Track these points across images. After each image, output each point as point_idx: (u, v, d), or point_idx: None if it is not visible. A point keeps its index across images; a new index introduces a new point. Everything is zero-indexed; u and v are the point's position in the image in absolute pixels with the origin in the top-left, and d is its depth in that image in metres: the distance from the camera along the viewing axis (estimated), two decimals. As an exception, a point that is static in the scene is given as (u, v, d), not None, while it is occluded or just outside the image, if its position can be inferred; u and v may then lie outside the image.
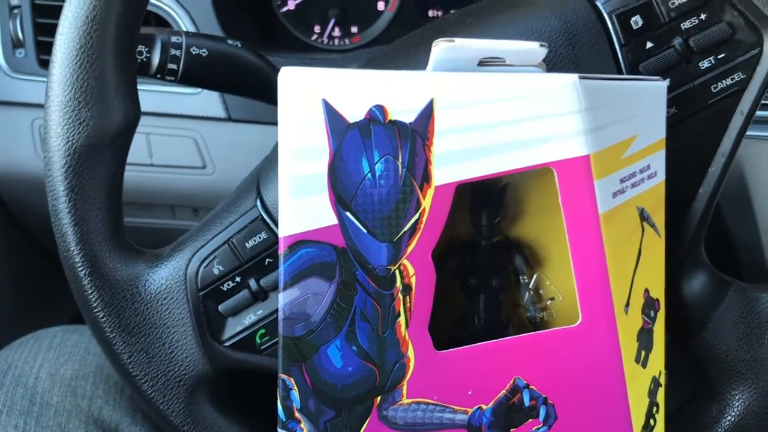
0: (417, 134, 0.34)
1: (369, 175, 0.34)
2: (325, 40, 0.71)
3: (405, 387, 0.35)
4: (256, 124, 0.66)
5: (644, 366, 0.37)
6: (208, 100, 0.66)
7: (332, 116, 0.34)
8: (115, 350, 0.43)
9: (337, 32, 0.71)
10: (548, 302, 0.40)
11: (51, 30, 0.41)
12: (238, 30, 0.66)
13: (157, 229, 0.74)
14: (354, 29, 0.71)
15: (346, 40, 0.71)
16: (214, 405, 0.45)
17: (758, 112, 0.57)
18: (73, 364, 0.55)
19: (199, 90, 0.66)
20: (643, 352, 0.37)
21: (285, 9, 0.71)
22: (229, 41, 0.54)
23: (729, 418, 0.44)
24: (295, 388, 0.35)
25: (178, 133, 0.67)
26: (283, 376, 0.35)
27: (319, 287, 0.35)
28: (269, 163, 0.45)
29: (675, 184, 0.40)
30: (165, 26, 0.66)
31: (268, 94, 0.56)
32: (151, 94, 0.66)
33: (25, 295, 0.83)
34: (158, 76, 0.52)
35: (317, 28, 0.71)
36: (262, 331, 0.43)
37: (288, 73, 0.34)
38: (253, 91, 0.56)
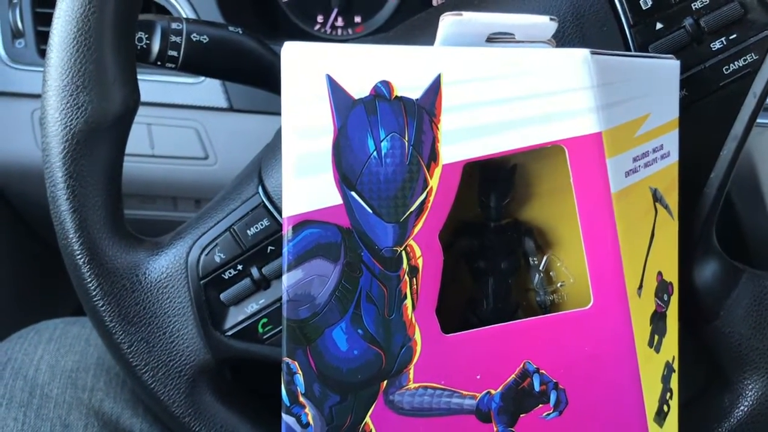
0: (424, 111, 0.33)
1: (374, 153, 0.33)
2: (328, 30, 0.70)
3: (412, 371, 0.34)
4: (258, 114, 0.65)
5: (657, 350, 0.36)
6: (209, 90, 0.65)
7: (337, 92, 0.33)
8: (115, 340, 0.43)
9: (340, 22, 0.70)
10: (559, 285, 0.39)
11: (51, 20, 0.40)
12: (239, 20, 0.65)
13: (159, 221, 0.73)
14: (357, 19, 0.70)
15: (350, 30, 0.70)
16: (215, 395, 0.44)
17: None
18: (73, 356, 0.54)
19: (201, 79, 0.65)
20: (656, 336, 0.36)
21: (287, -2, 0.70)
22: (231, 28, 0.53)
23: (742, 408, 0.43)
24: (300, 372, 0.34)
25: (179, 124, 0.67)
26: (287, 359, 0.34)
27: (324, 269, 0.34)
28: (271, 149, 0.44)
29: (686, 168, 0.40)
30: (166, 14, 0.65)
31: (270, 82, 0.55)
32: (152, 84, 0.65)
33: (27, 289, 0.82)
34: (158, 63, 0.51)
35: (320, 18, 0.70)
36: (265, 320, 0.42)
37: (291, 49, 0.33)
38: (254, 79, 0.55)
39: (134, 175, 0.67)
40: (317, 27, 0.70)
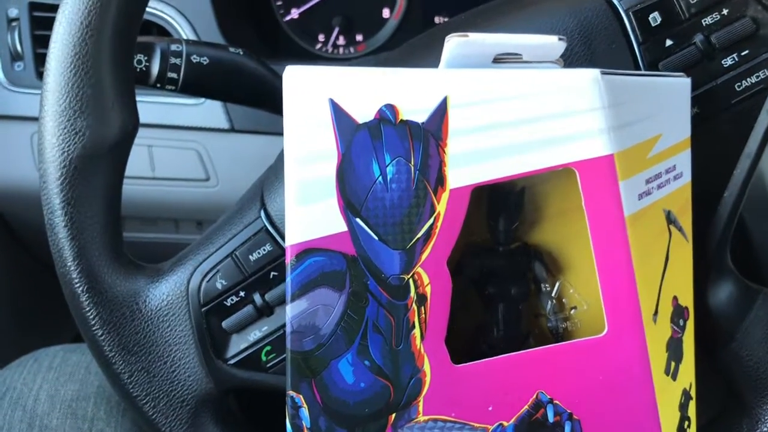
0: (430, 134, 0.32)
1: (380, 178, 0.32)
2: (330, 49, 0.70)
3: (421, 403, 0.33)
4: (260, 135, 0.65)
5: (674, 378, 0.35)
6: (210, 111, 0.65)
7: (340, 117, 0.32)
8: (115, 370, 0.42)
9: (341, 41, 0.70)
10: (571, 311, 0.38)
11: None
12: (240, 39, 0.64)
13: (160, 244, 0.72)
14: (359, 37, 0.69)
15: (351, 49, 0.70)
16: (218, 426, 0.43)
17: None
18: (73, 385, 0.53)
19: (202, 100, 0.65)
20: (672, 363, 0.35)
21: (288, 18, 0.70)
22: (231, 49, 0.53)
23: None
24: (305, 405, 0.33)
25: (180, 145, 0.66)
26: (291, 393, 0.33)
27: (329, 298, 0.33)
28: (273, 172, 0.43)
29: (698, 187, 0.39)
30: (165, 36, 0.64)
31: (272, 103, 0.55)
32: (153, 106, 0.64)
33: (27, 313, 0.81)
34: (158, 85, 0.51)
35: (321, 37, 0.70)
36: (268, 348, 0.41)
37: (293, 72, 0.32)
38: (256, 100, 0.55)
39: (135, 197, 0.67)
40: (319, 46, 0.70)
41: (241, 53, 0.53)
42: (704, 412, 0.42)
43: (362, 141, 0.32)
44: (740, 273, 0.43)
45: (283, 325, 0.40)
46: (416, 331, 0.33)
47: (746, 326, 0.41)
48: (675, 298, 0.35)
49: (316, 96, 0.32)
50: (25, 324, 0.81)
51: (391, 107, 0.32)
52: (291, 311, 0.33)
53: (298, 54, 0.70)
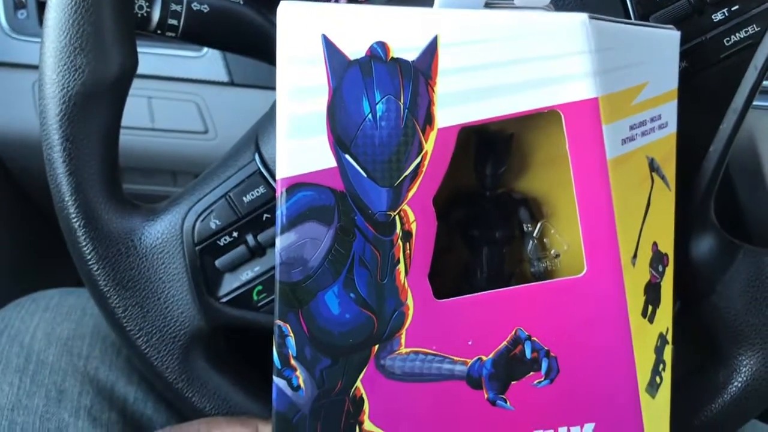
0: (420, 73, 0.32)
1: (369, 115, 0.33)
2: (332, 1, 0.70)
3: (403, 336, 0.34)
4: (259, 89, 0.65)
5: (651, 321, 0.36)
6: (210, 64, 0.65)
7: (332, 53, 0.32)
8: (110, 304, 0.43)
9: (343, -5, 0.70)
10: (553, 253, 0.39)
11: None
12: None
13: (158, 195, 0.73)
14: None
15: (352, 5, 0.70)
16: (209, 362, 0.44)
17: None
18: (69, 324, 0.54)
19: (202, 53, 0.65)
20: (650, 307, 0.36)
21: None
22: (232, -2, 0.53)
23: (736, 384, 0.43)
24: (292, 334, 0.34)
25: (180, 97, 0.66)
26: (279, 322, 0.34)
27: (317, 232, 0.34)
28: (268, 118, 0.44)
29: (685, 141, 0.39)
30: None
31: (271, 54, 0.55)
32: (153, 57, 0.65)
33: (26, 261, 0.82)
34: (158, 31, 0.51)
35: (323, -8, 0.70)
36: (260, 287, 0.42)
37: (287, 8, 0.33)
38: (255, 51, 0.55)
39: (134, 148, 0.67)
40: None
41: (241, 2, 0.53)
42: (683, 364, 0.43)
43: (353, 78, 0.33)
44: (728, 234, 0.43)
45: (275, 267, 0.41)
46: (401, 266, 0.34)
47: (726, 279, 0.42)
48: (655, 244, 0.36)
49: (309, 31, 0.32)
50: (23, 272, 0.82)
51: (382, 44, 0.32)
52: (280, 243, 0.34)
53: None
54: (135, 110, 0.66)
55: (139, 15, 0.50)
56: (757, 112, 0.57)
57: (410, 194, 0.34)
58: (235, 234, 0.42)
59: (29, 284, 0.80)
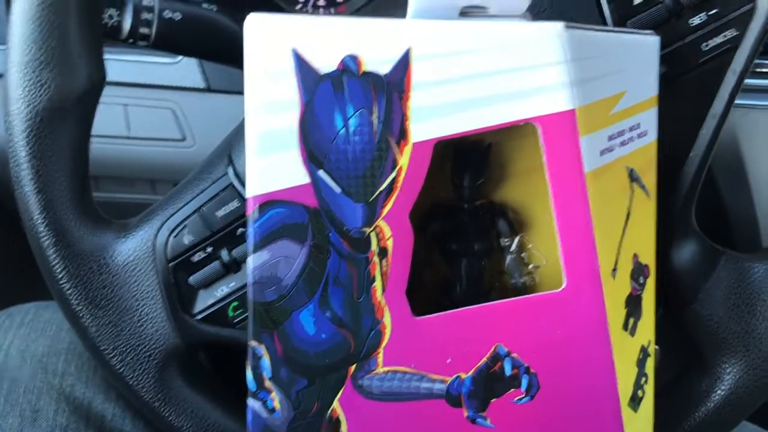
0: (393, 87, 0.32)
1: (342, 130, 0.32)
2: (310, 9, 0.69)
3: (381, 355, 0.33)
4: (237, 95, 0.64)
5: (632, 334, 0.36)
6: (186, 70, 0.64)
7: (303, 67, 0.32)
8: (83, 324, 0.42)
9: (322, 1, 0.69)
10: (532, 267, 0.38)
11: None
12: (217, -2, 0.64)
13: (136, 204, 0.72)
14: (338, -2, 0.69)
15: (332, 10, 0.69)
16: (185, 380, 0.43)
17: (753, 81, 0.55)
18: (44, 341, 0.53)
19: (177, 59, 0.64)
20: (631, 320, 0.35)
21: (267, -23, 0.69)
22: (204, 5, 0.52)
23: (719, 392, 0.42)
24: (266, 355, 0.33)
25: (156, 104, 0.65)
26: (253, 343, 0.33)
27: (291, 250, 0.33)
28: (241, 129, 0.43)
29: (665, 147, 0.39)
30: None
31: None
32: (128, 64, 0.64)
33: (3, 275, 0.81)
34: (130, 41, 0.50)
35: (300, -3, 0.69)
36: (235, 303, 0.41)
37: (255, 20, 0.32)
38: (229, 57, 0.54)
39: (111, 156, 0.66)
40: (299, 6, 0.69)
41: (215, 9, 0.52)
42: (666, 372, 0.43)
43: (325, 92, 0.32)
44: (712, 236, 0.43)
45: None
46: (377, 284, 0.33)
47: (708, 287, 0.41)
48: (635, 256, 0.36)
49: (279, 45, 0.31)
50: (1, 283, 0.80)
51: (354, 58, 0.32)
52: (253, 262, 0.33)
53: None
54: (111, 118, 0.64)
55: (110, 25, 0.49)
56: (739, 111, 0.56)
57: (386, 210, 0.33)
58: (209, 249, 0.41)
59: (6, 296, 0.79)
